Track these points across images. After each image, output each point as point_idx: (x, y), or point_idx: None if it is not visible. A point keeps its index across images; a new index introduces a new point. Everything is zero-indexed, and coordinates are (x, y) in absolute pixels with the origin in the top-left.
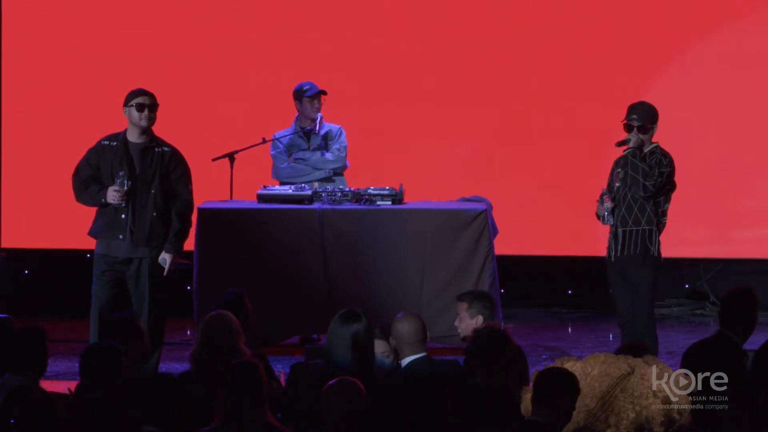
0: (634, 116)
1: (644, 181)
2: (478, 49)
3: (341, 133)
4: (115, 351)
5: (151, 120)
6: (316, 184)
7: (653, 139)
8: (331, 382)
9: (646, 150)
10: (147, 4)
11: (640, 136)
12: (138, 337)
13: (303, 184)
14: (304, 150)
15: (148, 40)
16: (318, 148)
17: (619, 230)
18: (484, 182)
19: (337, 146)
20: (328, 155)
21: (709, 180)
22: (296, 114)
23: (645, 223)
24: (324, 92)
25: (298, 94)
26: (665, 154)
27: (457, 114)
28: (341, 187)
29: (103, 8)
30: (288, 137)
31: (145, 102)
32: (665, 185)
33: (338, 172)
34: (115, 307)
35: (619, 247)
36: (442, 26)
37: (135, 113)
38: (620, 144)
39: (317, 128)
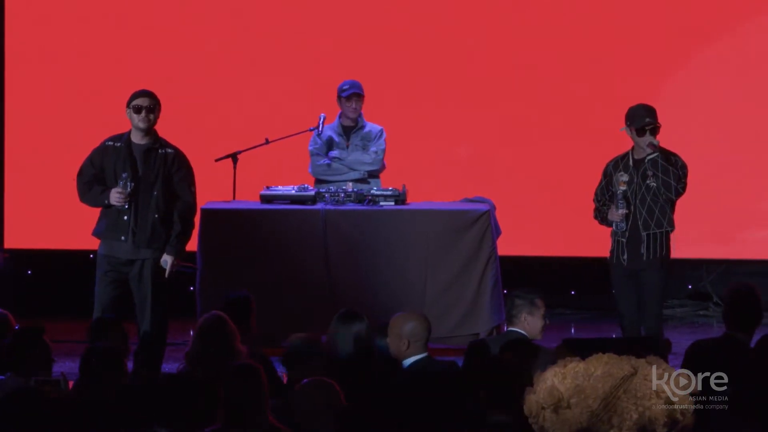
0: (648, 119)
1: (677, 185)
2: (481, 50)
3: (382, 134)
4: (115, 352)
5: (150, 121)
6: (350, 184)
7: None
8: (303, 382)
9: (649, 151)
10: (150, 4)
11: (653, 139)
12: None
13: (306, 185)
14: (343, 149)
15: (152, 41)
16: (356, 148)
17: (643, 234)
18: (487, 183)
19: (375, 148)
20: (366, 157)
21: (711, 181)
22: (339, 111)
23: (667, 225)
24: (361, 94)
25: (338, 94)
26: (676, 154)
27: (460, 115)
28: (344, 187)
29: (106, 9)
30: (327, 134)
31: (143, 104)
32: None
33: (374, 174)
34: (117, 307)
35: (643, 251)
36: (444, 28)
37: (134, 115)
38: (656, 156)
39: (319, 128)
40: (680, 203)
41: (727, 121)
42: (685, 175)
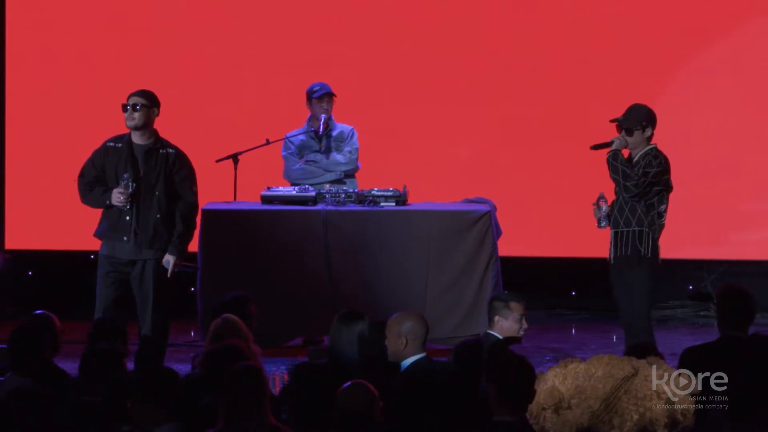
0: (622, 117)
1: (624, 182)
2: (482, 50)
3: (353, 134)
4: (116, 352)
5: (136, 120)
6: (327, 186)
7: (652, 141)
8: (345, 385)
9: (638, 152)
10: (150, 5)
11: (627, 138)
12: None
13: (307, 186)
14: (316, 152)
15: (152, 42)
16: (329, 150)
17: (612, 231)
18: (488, 184)
19: (349, 148)
20: (340, 157)
21: (711, 181)
22: (308, 114)
23: (635, 224)
24: (332, 94)
25: (309, 96)
26: (657, 156)
27: (461, 116)
28: (344, 188)
29: (106, 11)
30: (300, 138)
31: (129, 102)
32: (653, 185)
33: (350, 174)
34: (119, 308)
35: (614, 249)
36: (445, 28)
37: (124, 114)
38: (596, 147)
39: (320, 129)
40: (680, 204)
41: (728, 121)
42: (646, 174)
